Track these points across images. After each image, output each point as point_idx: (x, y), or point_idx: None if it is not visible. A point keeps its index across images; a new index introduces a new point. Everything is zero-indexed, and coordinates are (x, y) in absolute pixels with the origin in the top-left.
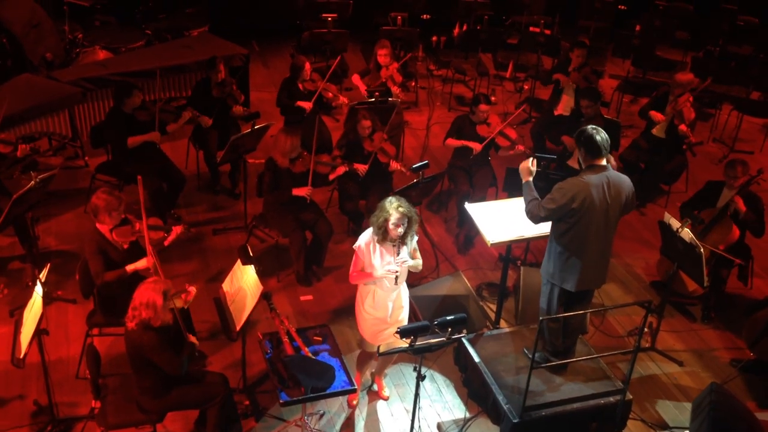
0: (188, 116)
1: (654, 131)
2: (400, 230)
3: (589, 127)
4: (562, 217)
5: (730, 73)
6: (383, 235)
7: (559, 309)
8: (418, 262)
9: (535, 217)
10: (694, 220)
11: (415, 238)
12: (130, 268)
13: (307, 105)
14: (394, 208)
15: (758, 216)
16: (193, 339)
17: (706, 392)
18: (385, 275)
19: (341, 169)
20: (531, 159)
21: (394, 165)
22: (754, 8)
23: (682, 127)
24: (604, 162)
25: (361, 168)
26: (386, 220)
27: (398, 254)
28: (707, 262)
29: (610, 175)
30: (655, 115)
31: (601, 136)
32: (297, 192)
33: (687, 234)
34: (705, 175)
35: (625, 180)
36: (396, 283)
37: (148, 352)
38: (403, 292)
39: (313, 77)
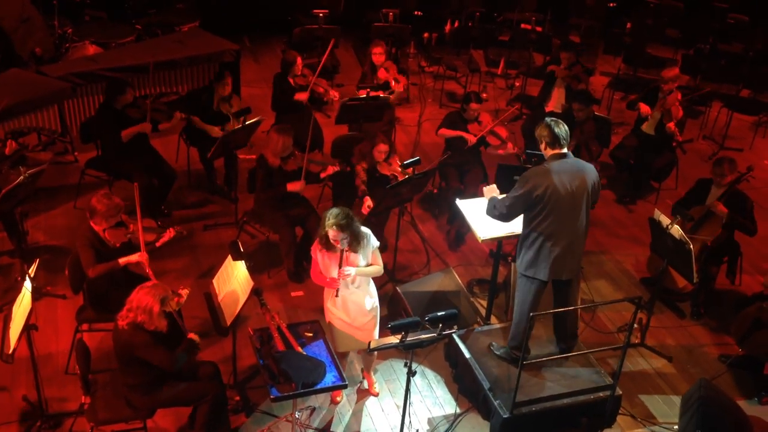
0: (180, 116)
1: (644, 128)
2: (342, 245)
3: (549, 119)
4: (529, 206)
5: (720, 71)
6: (327, 244)
7: (535, 303)
8: (374, 268)
9: (501, 212)
10: (683, 217)
11: (373, 244)
12: (122, 260)
13: (303, 96)
14: (329, 225)
15: (746, 216)
16: (193, 336)
17: (695, 388)
18: (332, 284)
19: (331, 169)
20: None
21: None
22: (744, 6)
23: (670, 126)
24: (564, 150)
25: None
26: (326, 233)
27: (341, 267)
28: (696, 258)
29: (571, 162)
30: (642, 106)
31: (560, 127)
32: (291, 187)
33: (677, 231)
34: (695, 173)
35: (587, 166)
36: (336, 294)
37: (138, 350)
38: (369, 298)
39: (304, 72)
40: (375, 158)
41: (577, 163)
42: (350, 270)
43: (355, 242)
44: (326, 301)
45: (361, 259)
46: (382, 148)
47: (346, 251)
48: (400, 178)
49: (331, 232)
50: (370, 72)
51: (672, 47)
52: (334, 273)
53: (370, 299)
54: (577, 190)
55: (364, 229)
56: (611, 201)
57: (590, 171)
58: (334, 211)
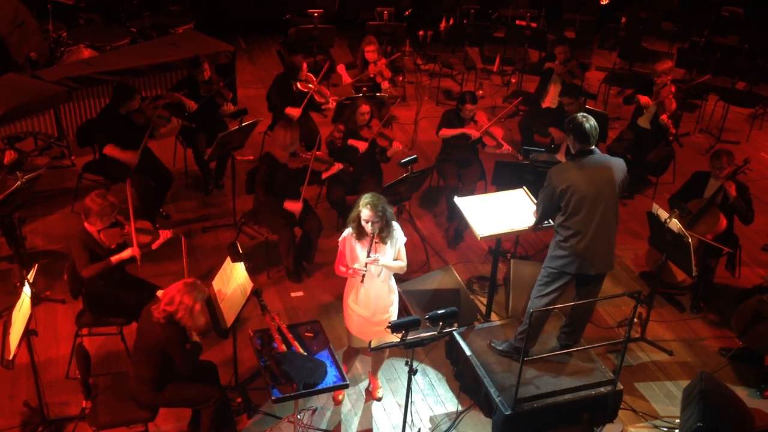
0: (178, 122)
1: (640, 122)
2: (371, 227)
3: (580, 114)
4: (555, 202)
5: (715, 64)
6: (359, 230)
7: (555, 297)
8: (399, 263)
9: (538, 213)
10: (681, 210)
11: (401, 239)
12: (114, 258)
13: (295, 112)
14: (363, 204)
15: (747, 204)
16: (197, 338)
17: (696, 381)
18: (356, 272)
19: (335, 168)
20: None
21: (396, 145)
22: None
23: (663, 118)
24: (592, 147)
25: (361, 145)
26: (358, 216)
27: (370, 254)
28: (695, 252)
29: (598, 158)
30: (642, 98)
31: (590, 123)
32: (288, 206)
33: (675, 224)
34: (692, 166)
35: (614, 160)
36: (362, 281)
37: (167, 345)
38: (390, 296)
39: (308, 77)
40: (357, 121)
41: (603, 159)
42: (379, 256)
43: (386, 230)
44: (347, 297)
45: (389, 249)
46: (364, 109)
47: (376, 241)
48: (380, 143)
49: (365, 212)
50: (362, 65)
51: (667, 41)
52: (355, 264)
53: (392, 295)
54: (603, 185)
55: (393, 223)
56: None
57: (617, 165)
58: (369, 195)
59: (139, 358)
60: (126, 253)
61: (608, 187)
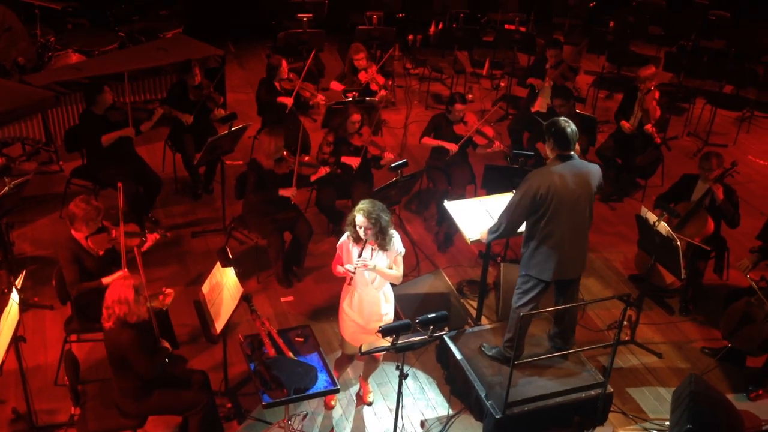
0: (161, 112)
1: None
2: (363, 233)
3: (561, 119)
4: (533, 207)
5: (702, 68)
6: (355, 233)
7: (534, 303)
8: (394, 273)
9: (505, 224)
10: (670, 213)
11: (399, 249)
12: (106, 281)
13: (287, 100)
14: (358, 209)
15: (734, 207)
16: (165, 344)
17: (686, 383)
18: (345, 272)
19: (323, 171)
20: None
21: (388, 156)
22: (725, 3)
23: (648, 128)
24: (571, 152)
25: (354, 161)
26: (354, 219)
27: (360, 255)
28: (684, 254)
29: (577, 164)
30: (624, 124)
31: (571, 128)
32: (283, 192)
33: (664, 227)
34: (680, 169)
35: (592, 166)
36: (349, 283)
37: (126, 350)
38: (384, 305)
39: (290, 76)
40: (348, 129)
41: (581, 164)
42: (368, 261)
43: (380, 237)
44: (342, 301)
45: (384, 258)
46: (355, 117)
47: (374, 248)
48: (372, 151)
49: (359, 217)
50: (350, 73)
51: (655, 45)
52: (346, 264)
53: (386, 303)
54: (581, 190)
55: (392, 231)
56: (597, 199)
57: (594, 171)
58: (366, 200)
59: (114, 372)
60: (117, 276)
61: (586, 192)
